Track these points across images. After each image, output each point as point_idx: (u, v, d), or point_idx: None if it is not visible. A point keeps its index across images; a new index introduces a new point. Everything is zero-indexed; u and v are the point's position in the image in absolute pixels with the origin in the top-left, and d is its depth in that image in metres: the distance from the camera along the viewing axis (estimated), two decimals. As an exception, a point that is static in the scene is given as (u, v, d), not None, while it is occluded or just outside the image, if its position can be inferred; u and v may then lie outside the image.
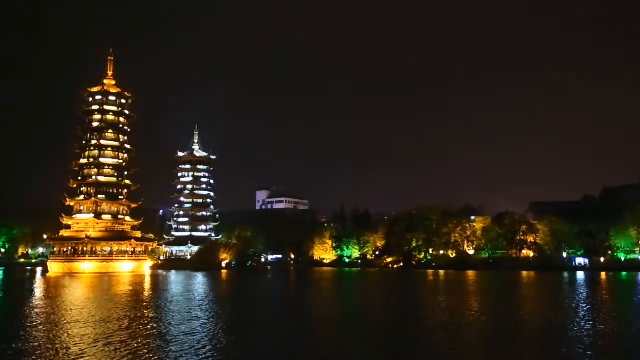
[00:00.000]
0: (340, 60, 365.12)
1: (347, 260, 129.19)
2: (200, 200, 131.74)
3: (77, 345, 21.53)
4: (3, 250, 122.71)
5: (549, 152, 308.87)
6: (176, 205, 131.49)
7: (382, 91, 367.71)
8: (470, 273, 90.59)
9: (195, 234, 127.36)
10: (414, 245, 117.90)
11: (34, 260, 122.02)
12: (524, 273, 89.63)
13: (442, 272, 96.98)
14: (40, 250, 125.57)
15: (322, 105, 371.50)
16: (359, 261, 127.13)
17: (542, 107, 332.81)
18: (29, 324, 27.83)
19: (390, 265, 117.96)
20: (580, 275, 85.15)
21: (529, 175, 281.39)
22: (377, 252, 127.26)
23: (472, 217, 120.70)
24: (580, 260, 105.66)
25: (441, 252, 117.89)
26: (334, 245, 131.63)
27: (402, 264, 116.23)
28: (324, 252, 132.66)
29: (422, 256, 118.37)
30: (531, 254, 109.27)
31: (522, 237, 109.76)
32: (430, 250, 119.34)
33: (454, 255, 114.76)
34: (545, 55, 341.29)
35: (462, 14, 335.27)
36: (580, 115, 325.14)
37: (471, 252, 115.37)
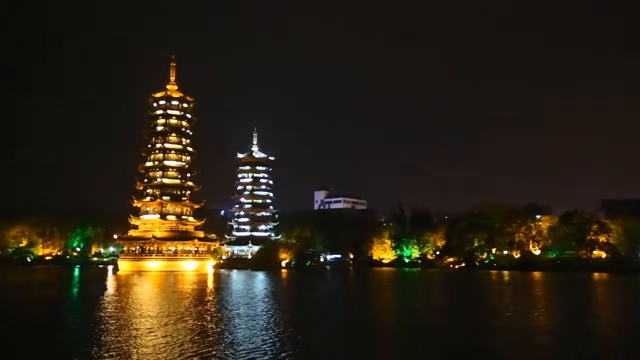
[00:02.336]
0: (404, 60, 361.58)
1: (406, 260, 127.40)
2: (260, 201, 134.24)
3: (137, 337, 22.45)
4: (78, 249, 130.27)
5: (620, 149, 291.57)
6: (237, 206, 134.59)
7: (443, 91, 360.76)
8: (537, 274, 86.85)
9: (255, 233, 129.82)
10: (476, 245, 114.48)
11: (105, 259, 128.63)
12: (596, 275, 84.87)
13: (505, 272, 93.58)
14: (111, 249, 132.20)
15: (382, 104, 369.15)
16: (419, 261, 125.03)
17: (613, 102, 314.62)
18: (96, 317, 29.39)
19: (452, 266, 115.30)
20: (659, 277, 79.66)
21: (599, 173, 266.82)
22: (438, 252, 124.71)
23: (538, 216, 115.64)
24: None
25: (504, 252, 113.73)
26: (393, 245, 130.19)
27: (463, 265, 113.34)
28: (383, 252, 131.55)
29: (484, 256, 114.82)
30: (603, 254, 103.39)
31: (593, 237, 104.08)
32: (493, 250, 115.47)
33: (518, 255, 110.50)
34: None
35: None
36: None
37: (537, 252, 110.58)
